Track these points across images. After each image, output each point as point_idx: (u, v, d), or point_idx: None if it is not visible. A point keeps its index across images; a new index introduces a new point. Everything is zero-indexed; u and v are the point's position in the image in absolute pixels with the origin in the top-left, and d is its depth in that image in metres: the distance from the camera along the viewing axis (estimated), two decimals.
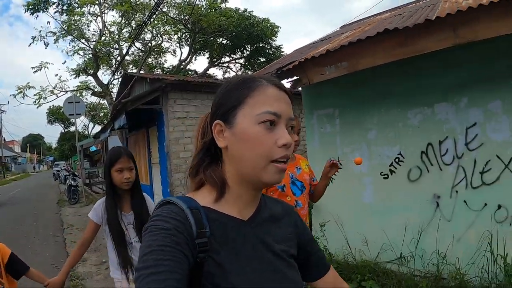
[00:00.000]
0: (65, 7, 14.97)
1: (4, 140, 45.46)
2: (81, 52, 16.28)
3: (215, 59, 17.45)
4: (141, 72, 17.05)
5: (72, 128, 17.76)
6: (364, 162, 2.92)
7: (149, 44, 16.40)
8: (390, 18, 4.78)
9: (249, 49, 16.21)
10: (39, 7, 14.56)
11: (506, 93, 3.15)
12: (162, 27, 16.73)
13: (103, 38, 15.90)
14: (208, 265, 0.68)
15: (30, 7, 14.52)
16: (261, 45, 15.75)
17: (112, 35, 16.70)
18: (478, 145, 3.33)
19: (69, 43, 15.39)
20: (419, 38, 2.98)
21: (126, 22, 16.57)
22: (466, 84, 3.38)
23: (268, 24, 16.12)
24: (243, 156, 0.73)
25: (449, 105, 3.50)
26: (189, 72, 17.92)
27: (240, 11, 16.16)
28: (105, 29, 16.42)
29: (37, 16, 14.85)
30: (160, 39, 17.11)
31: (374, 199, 4.13)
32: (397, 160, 3.94)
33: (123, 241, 2.10)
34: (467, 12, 2.58)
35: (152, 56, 17.90)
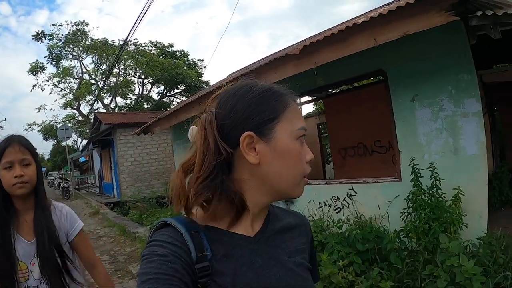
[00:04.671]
0: (53, 59, 20.77)
1: None
2: (67, 95, 22.07)
3: (164, 93, 23.34)
4: (114, 99, 23.07)
5: (63, 143, 23.92)
6: None
7: (118, 81, 22.07)
8: None
9: (184, 86, 22.07)
10: (37, 70, 20.91)
11: None
12: (125, 70, 22.53)
13: (83, 82, 21.44)
14: None
15: (32, 70, 20.88)
16: (188, 84, 21.49)
17: (90, 74, 22.25)
18: None
19: (58, 92, 22.25)
20: None
21: (101, 61, 22.25)
22: None
23: (192, 69, 22.18)
24: (281, 173, 0.67)
25: None
26: (152, 100, 23.73)
27: (174, 58, 22.19)
28: (83, 73, 22.07)
29: (36, 75, 21.10)
30: (125, 76, 22.74)
31: None
32: None
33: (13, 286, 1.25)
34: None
35: (123, 86, 23.45)
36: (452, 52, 3.66)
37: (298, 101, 1.62)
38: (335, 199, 4.59)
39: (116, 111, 21.48)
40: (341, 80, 4.74)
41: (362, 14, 4.46)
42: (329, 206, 4.63)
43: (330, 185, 4.66)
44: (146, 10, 8.23)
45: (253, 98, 0.68)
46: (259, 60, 7.59)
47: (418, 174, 3.59)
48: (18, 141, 1.32)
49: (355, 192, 4.45)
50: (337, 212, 4.56)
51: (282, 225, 0.78)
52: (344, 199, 4.51)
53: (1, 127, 48.32)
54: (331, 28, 3.74)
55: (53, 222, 1.37)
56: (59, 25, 20.97)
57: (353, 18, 4.77)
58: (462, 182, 3.55)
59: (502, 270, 2.68)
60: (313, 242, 0.86)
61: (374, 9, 4.23)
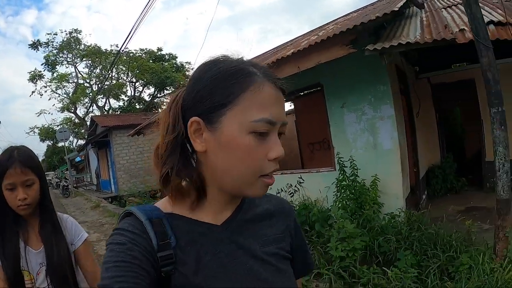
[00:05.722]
0: (49, 65, 21.84)
1: None
2: (64, 99, 23.14)
3: (154, 94, 24.47)
4: (108, 101, 24.16)
5: (60, 144, 25.29)
6: None
7: (111, 84, 23.14)
8: None
9: (173, 88, 23.01)
10: (36, 78, 22.14)
11: None
12: (117, 74, 23.66)
13: (78, 87, 22.49)
14: (175, 278, 0.60)
15: (32, 78, 22.09)
16: (177, 86, 22.28)
17: (84, 79, 23.30)
18: None
19: (57, 97, 23.57)
20: None
21: (94, 66, 23.35)
22: None
23: (180, 71, 23.43)
24: (227, 168, 0.60)
25: None
26: (143, 101, 24.72)
27: (163, 61, 23.37)
28: (78, 78, 23.17)
29: (35, 82, 22.47)
30: (118, 79, 23.86)
31: None
32: None
33: None
34: None
35: (116, 89, 24.52)
36: (372, 69, 4.62)
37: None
38: (289, 186, 5.62)
39: (111, 113, 22.55)
40: (289, 92, 5.74)
41: (290, 42, 5.36)
42: (284, 191, 5.66)
43: (284, 175, 5.68)
44: (140, 21, 8.98)
45: (211, 78, 0.60)
46: None
47: (343, 165, 4.61)
48: (19, 161, 1.23)
49: (303, 180, 5.47)
50: (291, 197, 5.58)
51: (257, 212, 0.72)
52: (295, 186, 5.54)
53: None
54: (270, 57, 4.74)
55: (61, 229, 1.35)
56: (54, 34, 22.30)
57: (286, 45, 5.74)
58: (380, 170, 4.57)
59: (397, 237, 3.68)
60: (298, 229, 0.79)
61: (304, 35, 5.18)
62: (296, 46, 4.42)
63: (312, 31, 7.67)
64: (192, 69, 24.82)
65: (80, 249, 1.41)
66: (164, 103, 23.66)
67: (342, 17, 8.84)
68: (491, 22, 3.88)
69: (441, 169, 6.83)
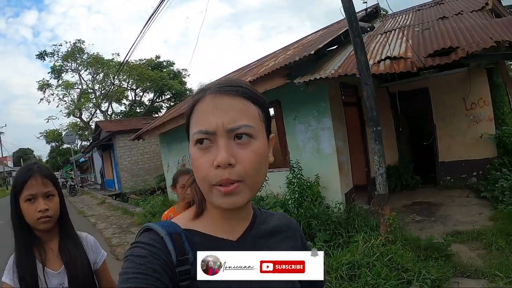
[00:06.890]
0: (55, 73, 23.46)
1: None
2: (70, 106, 24.67)
3: (154, 99, 26.01)
4: (111, 105, 25.67)
5: (64, 146, 26.97)
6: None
7: (113, 90, 24.74)
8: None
9: (170, 94, 24.82)
10: (44, 87, 23.72)
11: None
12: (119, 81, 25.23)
13: (83, 95, 24.14)
14: None
15: (40, 87, 23.70)
16: (174, 92, 24.29)
17: (88, 85, 25.02)
18: None
19: (63, 104, 25.15)
20: None
21: (97, 73, 24.97)
22: None
23: (177, 78, 25.02)
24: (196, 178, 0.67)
25: None
26: (144, 105, 26.31)
27: (161, 68, 25.10)
28: (82, 84, 24.82)
29: (44, 90, 24.09)
30: (119, 85, 25.43)
31: None
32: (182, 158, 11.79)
33: None
34: None
35: (118, 94, 26.09)
36: (316, 90, 5.91)
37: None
38: None
39: (113, 118, 24.08)
40: None
41: (262, 61, 6.59)
42: None
43: None
44: (143, 33, 9.92)
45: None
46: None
47: (293, 166, 5.92)
48: (39, 172, 1.24)
49: (268, 178, 6.77)
50: (259, 191, 6.87)
51: (268, 229, 0.77)
52: (262, 183, 6.83)
53: (2, 132, 50.42)
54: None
55: (83, 249, 1.34)
56: (59, 45, 24.11)
57: (254, 65, 7.00)
58: (322, 170, 5.78)
59: (327, 222, 4.97)
60: (306, 246, 0.83)
61: (268, 55, 6.43)
62: (254, 74, 5.75)
63: (276, 52, 8.95)
64: (188, 75, 26.52)
65: (102, 268, 1.42)
66: (164, 107, 25.56)
67: (310, 34, 10.17)
68: (388, 57, 5.15)
69: (395, 168, 7.75)
